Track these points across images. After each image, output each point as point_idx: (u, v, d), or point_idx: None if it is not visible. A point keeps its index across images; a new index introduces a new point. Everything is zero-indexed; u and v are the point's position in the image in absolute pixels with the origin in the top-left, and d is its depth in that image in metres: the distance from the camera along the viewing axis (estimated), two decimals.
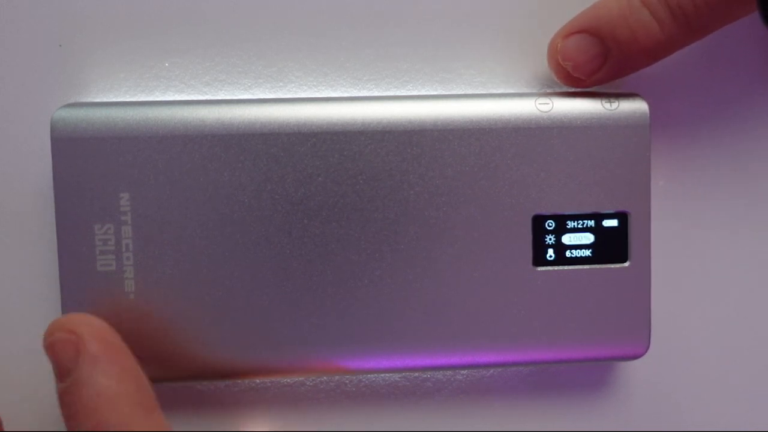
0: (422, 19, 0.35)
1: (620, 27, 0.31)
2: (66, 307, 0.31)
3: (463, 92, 0.35)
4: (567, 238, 0.33)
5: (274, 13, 0.34)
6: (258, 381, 0.35)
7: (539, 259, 0.33)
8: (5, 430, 0.33)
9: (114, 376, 0.28)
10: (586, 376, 0.36)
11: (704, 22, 0.31)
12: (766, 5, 0.33)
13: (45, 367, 0.34)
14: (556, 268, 0.33)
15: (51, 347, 0.29)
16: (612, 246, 0.33)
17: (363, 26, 0.35)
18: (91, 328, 0.29)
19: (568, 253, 0.33)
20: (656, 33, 0.31)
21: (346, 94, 0.35)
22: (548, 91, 0.34)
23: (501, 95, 0.33)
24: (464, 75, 0.35)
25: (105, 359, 0.28)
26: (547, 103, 0.32)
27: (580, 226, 0.33)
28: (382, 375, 0.34)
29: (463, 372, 0.36)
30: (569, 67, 0.32)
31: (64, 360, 0.28)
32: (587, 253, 0.33)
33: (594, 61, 0.32)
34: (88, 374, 0.28)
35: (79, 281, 0.31)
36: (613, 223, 0.33)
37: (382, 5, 0.34)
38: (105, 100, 0.34)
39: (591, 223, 0.33)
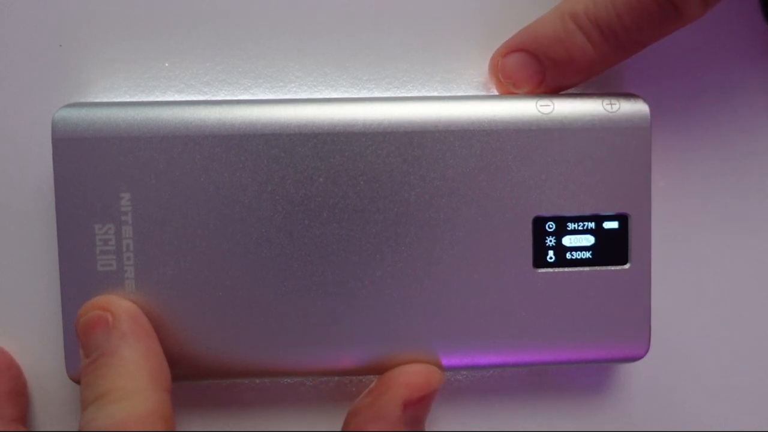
0: (423, 19, 0.35)
1: (556, 48, 0.32)
2: (66, 307, 0.31)
3: (463, 93, 0.35)
4: (567, 240, 0.33)
5: (275, 13, 0.34)
6: (258, 381, 0.35)
7: (540, 260, 0.33)
8: None
9: (138, 352, 0.30)
10: (587, 377, 0.36)
11: (634, 40, 0.32)
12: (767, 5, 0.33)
13: (44, 367, 0.34)
14: (556, 269, 0.33)
15: (85, 324, 0.30)
16: (612, 248, 0.33)
17: (363, 26, 0.35)
18: (124, 309, 0.31)
19: (568, 255, 0.33)
20: (590, 54, 0.32)
21: (346, 94, 0.35)
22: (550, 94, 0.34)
23: (502, 96, 0.33)
24: (464, 75, 0.35)
25: (133, 336, 0.30)
26: (548, 105, 0.32)
27: (580, 227, 0.33)
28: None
29: (463, 372, 0.36)
30: (510, 84, 0.33)
31: (95, 335, 0.30)
32: (587, 255, 0.33)
33: (533, 79, 0.33)
34: (115, 346, 0.30)
35: (79, 281, 0.31)
36: (613, 225, 0.33)
37: (383, 5, 0.34)
38: (105, 100, 0.34)
39: (591, 225, 0.33)
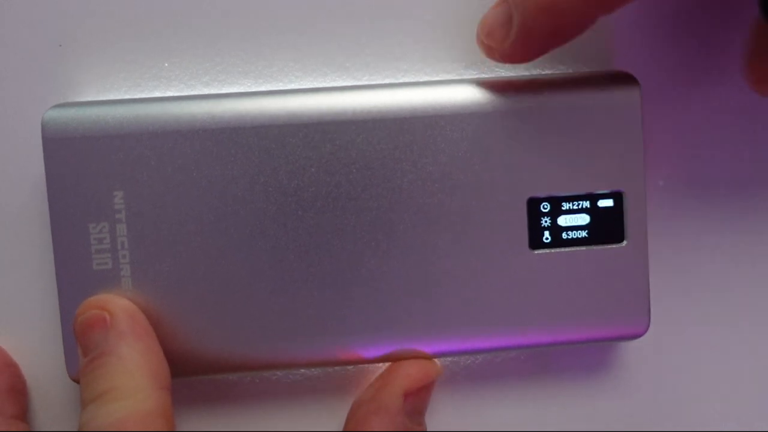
0: (423, 19, 0.35)
1: None
2: (63, 307, 0.31)
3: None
4: (562, 220, 0.33)
5: (275, 13, 0.34)
6: (257, 379, 0.35)
7: (535, 241, 0.33)
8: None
9: (137, 350, 0.30)
10: (587, 357, 0.36)
11: None
12: (766, 3, 0.32)
13: (44, 366, 0.34)
14: (552, 250, 0.33)
15: (83, 324, 0.30)
16: (608, 226, 0.33)
17: (363, 26, 0.34)
18: (122, 307, 0.31)
19: (564, 235, 0.33)
20: None
21: None
22: (540, 73, 0.34)
23: (492, 79, 0.33)
24: (464, 76, 0.35)
25: (131, 335, 0.30)
26: (539, 85, 0.32)
27: (575, 207, 0.33)
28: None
29: (462, 357, 0.36)
30: (486, 36, 0.32)
31: (93, 334, 0.30)
32: (583, 234, 0.33)
33: (503, 28, 0.31)
34: (114, 345, 0.30)
35: (75, 281, 0.31)
36: (608, 203, 0.33)
37: (383, 5, 0.34)
38: (104, 99, 0.34)
39: (586, 203, 0.33)
